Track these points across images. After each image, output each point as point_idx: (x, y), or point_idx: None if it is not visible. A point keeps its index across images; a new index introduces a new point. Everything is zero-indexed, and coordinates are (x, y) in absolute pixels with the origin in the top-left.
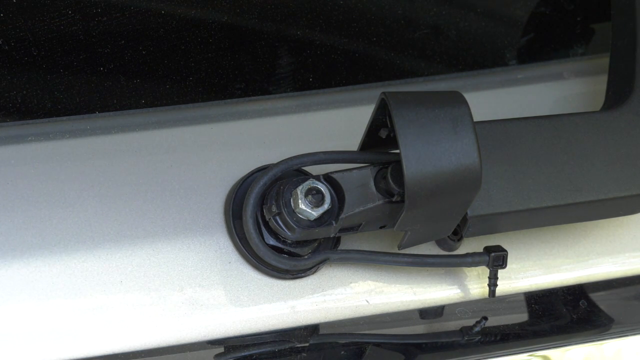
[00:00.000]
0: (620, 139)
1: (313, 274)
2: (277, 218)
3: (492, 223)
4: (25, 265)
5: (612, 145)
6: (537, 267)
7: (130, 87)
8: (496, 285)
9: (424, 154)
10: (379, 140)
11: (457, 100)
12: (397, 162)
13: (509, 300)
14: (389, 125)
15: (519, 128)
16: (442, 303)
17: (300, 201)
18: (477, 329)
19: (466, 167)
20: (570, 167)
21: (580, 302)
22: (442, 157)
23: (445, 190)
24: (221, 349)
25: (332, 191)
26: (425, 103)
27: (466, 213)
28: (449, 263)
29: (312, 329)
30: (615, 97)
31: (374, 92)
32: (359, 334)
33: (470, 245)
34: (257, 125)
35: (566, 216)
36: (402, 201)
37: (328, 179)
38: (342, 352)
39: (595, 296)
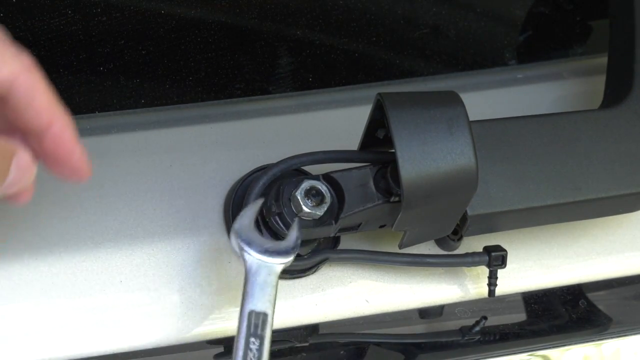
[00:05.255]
0: (619, 136)
1: (313, 273)
2: (277, 218)
3: (492, 222)
4: (25, 265)
5: (611, 143)
6: (537, 267)
7: (130, 87)
8: (496, 285)
9: (420, 155)
10: (377, 140)
11: (452, 100)
12: (396, 162)
13: (509, 300)
14: (386, 126)
15: (517, 126)
16: (442, 303)
17: (300, 201)
18: (476, 328)
19: (462, 168)
20: (569, 166)
21: (580, 302)
22: (438, 157)
23: (442, 191)
24: (221, 349)
25: (332, 191)
26: (421, 103)
27: (466, 212)
28: (448, 263)
29: (312, 329)
30: (614, 95)
31: (373, 92)
32: (359, 333)
33: (471, 245)
34: (256, 125)
35: (566, 214)
36: (401, 201)
37: (328, 178)
38: (342, 352)
39: (594, 296)
